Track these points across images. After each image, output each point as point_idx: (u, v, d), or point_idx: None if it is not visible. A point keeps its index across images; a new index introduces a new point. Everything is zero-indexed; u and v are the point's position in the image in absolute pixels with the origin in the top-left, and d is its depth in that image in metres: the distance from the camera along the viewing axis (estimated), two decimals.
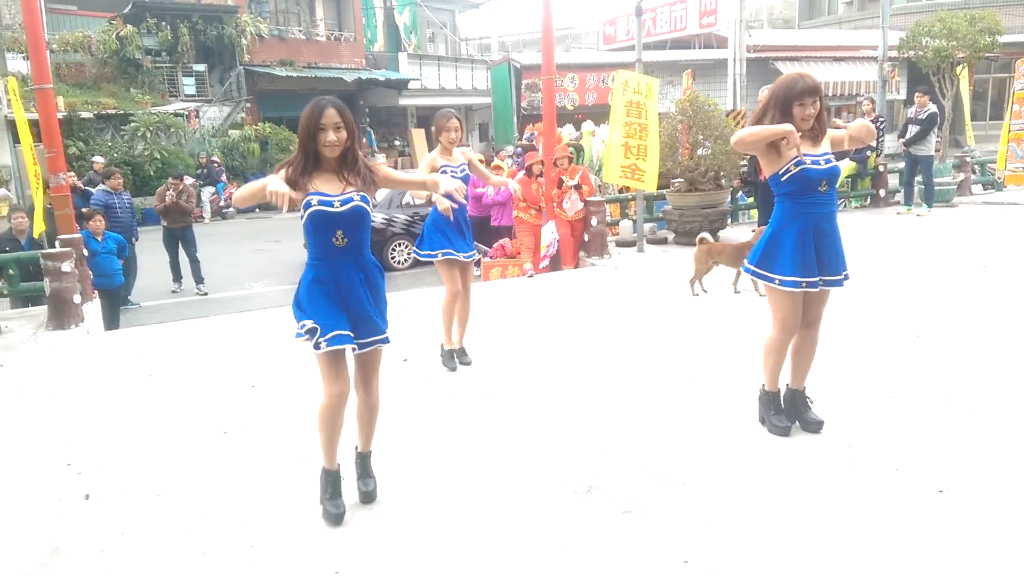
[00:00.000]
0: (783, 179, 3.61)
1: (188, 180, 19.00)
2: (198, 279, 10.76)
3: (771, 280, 3.65)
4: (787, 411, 3.87)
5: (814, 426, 3.83)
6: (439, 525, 3.14)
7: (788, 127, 3.49)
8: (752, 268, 3.77)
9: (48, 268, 6.79)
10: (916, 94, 11.29)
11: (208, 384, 5.09)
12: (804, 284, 3.59)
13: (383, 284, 3.31)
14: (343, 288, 3.11)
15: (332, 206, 3.05)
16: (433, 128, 5.09)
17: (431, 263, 5.12)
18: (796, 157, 3.56)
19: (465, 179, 5.00)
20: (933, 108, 10.96)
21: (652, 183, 9.28)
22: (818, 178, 3.56)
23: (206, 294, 10.63)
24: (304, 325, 3.04)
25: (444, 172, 4.79)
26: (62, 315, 6.80)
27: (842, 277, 3.69)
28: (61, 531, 3.24)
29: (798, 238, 3.60)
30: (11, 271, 7.62)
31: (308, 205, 3.05)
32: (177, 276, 10.85)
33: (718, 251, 6.93)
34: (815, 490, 3.25)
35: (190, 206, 10.85)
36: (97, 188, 10.11)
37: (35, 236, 8.02)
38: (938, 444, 3.62)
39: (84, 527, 3.27)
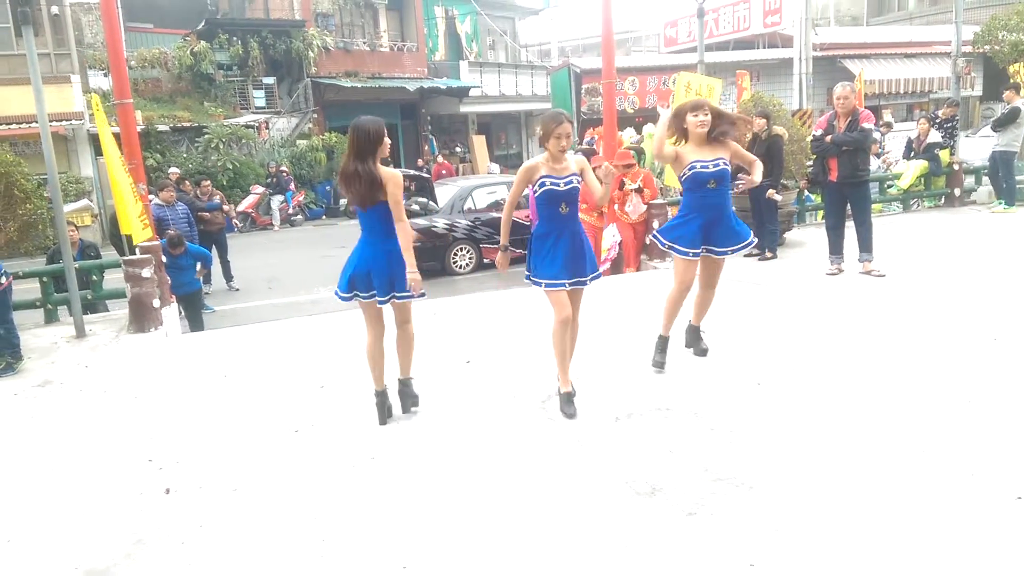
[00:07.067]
0: (682, 179, 4.80)
1: (259, 189, 19.80)
2: (228, 277, 11.45)
3: (676, 250, 4.77)
4: (688, 339, 5.09)
5: (701, 352, 5.03)
6: (506, 525, 3.18)
7: (664, 117, 4.77)
8: (662, 240, 4.86)
9: (129, 274, 7.09)
10: (1004, 91, 11.11)
11: (280, 384, 5.25)
12: (691, 254, 4.73)
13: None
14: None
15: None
16: (539, 132, 4.32)
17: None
18: (691, 163, 4.67)
19: (572, 192, 4.27)
20: (1017, 103, 10.65)
21: None
22: (707, 178, 4.65)
23: (237, 289, 11.29)
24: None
25: (543, 184, 4.22)
26: (142, 319, 7.10)
27: (726, 249, 4.75)
28: (144, 523, 3.40)
29: (696, 222, 4.71)
30: (95, 277, 7.99)
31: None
32: (208, 279, 11.07)
33: None
34: (886, 494, 3.18)
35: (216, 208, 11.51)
36: (152, 202, 10.16)
37: (135, 242, 8.13)
38: (1016, 449, 3.50)
39: (165, 520, 3.42)
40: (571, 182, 4.26)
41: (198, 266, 8.74)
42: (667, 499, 3.28)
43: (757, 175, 4.85)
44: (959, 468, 3.36)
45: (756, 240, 4.94)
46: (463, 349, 5.69)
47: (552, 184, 4.23)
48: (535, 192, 4.32)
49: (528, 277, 4.45)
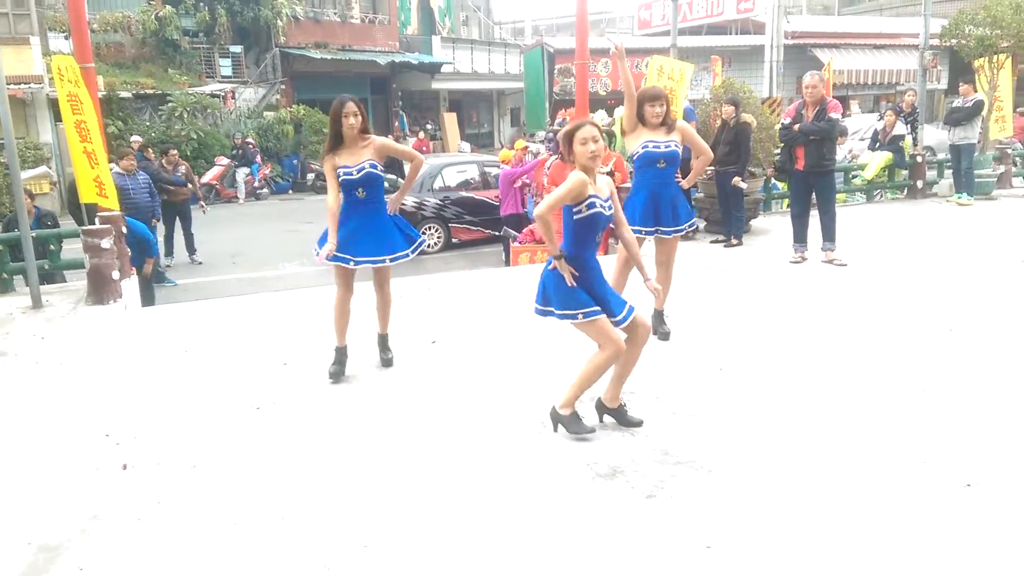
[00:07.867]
0: (634, 157, 5.12)
1: (224, 160, 19.44)
2: (191, 250, 11.26)
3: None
4: (653, 324, 5.09)
5: (664, 336, 5.21)
6: (466, 505, 3.20)
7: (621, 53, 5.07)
8: None
9: (88, 244, 6.93)
10: (960, 84, 11.28)
11: (241, 361, 5.19)
12: (643, 232, 5.05)
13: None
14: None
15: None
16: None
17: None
18: (644, 142, 4.98)
19: (609, 219, 3.79)
20: (979, 96, 10.87)
21: None
22: (657, 157, 4.99)
23: (200, 263, 11.12)
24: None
25: (592, 205, 3.59)
26: (101, 290, 6.94)
27: (672, 229, 5.07)
28: (100, 499, 3.35)
29: (644, 200, 5.07)
30: (52, 247, 7.79)
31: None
32: (169, 251, 11.01)
33: None
34: (841, 481, 3.25)
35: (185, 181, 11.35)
36: (112, 171, 9.95)
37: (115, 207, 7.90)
38: (967, 438, 3.60)
39: (122, 496, 3.37)
40: (611, 207, 3.68)
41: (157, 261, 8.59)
42: (627, 481, 3.32)
43: (689, 180, 5.31)
44: (912, 455, 3.44)
45: (696, 223, 5.33)
46: (429, 329, 5.68)
47: (601, 207, 3.58)
48: (578, 213, 3.60)
49: (544, 311, 3.87)
